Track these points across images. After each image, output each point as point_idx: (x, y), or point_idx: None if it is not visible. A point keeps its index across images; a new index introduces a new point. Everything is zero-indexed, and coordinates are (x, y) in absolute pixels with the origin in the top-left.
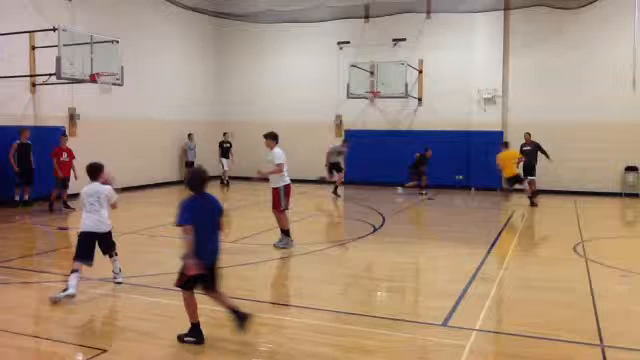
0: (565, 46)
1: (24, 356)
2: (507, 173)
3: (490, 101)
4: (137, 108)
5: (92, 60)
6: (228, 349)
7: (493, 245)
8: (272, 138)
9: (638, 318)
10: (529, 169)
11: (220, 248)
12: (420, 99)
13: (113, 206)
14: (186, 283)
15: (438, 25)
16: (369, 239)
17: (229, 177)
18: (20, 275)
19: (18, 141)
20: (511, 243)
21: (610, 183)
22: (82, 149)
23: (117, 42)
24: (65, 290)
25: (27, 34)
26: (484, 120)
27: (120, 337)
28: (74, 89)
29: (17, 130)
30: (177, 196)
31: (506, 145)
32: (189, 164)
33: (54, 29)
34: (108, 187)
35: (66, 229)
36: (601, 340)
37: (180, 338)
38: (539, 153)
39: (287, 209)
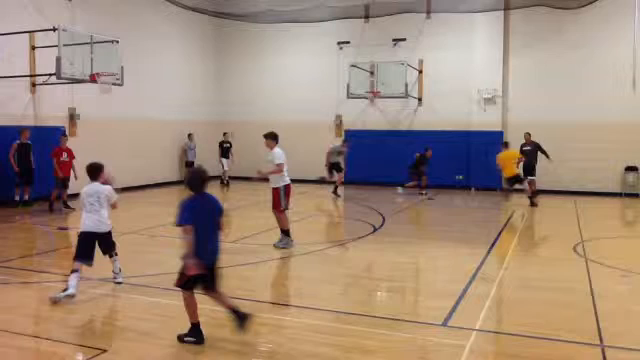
0: (565, 46)
1: (24, 356)
2: (507, 173)
3: (490, 101)
4: (137, 108)
5: (92, 60)
6: (228, 349)
7: (493, 245)
8: (272, 138)
9: (638, 318)
10: (529, 169)
11: (220, 248)
12: (420, 99)
13: (113, 206)
14: (186, 283)
15: (438, 25)
16: (369, 239)
17: (229, 177)
18: (20, 275)
19: (18, 141)
20: (511, 243)
21: (610, 183)
22: (82, 149)
23: (117, 42)
24: (65, 290)
25: (27, 34)
26: (484, 120)
27: (120, 337)
28: (74, 89)
29: (17, 130)
30: (177, 196)
31: (506, 145)
32: (189, 164)
33: (54, 29)
34: (108, 187)
35: (66, 229)
36: (601, 340)
37: (180, 338)
38: (539, 153)
39: (287, 209)
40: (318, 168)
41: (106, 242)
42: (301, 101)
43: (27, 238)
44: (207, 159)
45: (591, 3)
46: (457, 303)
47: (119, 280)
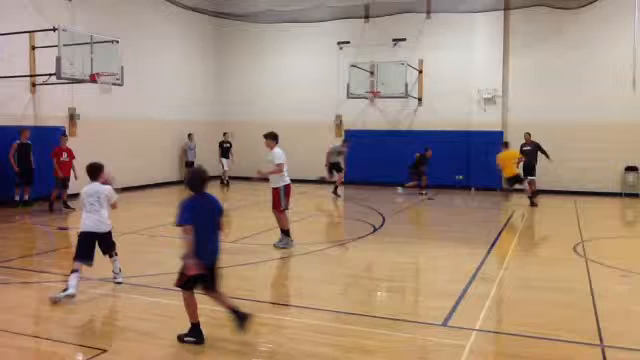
0: (565, 46)
1: (24, 356)
2: (507, 173)
3: (490, 101)
4: (137, 108)
5: (92, 60)
6: (228, 349)
7: (493, 245)
8: (272, 138)
9: (638, 318)
10: (529, 169)
11: (220, 248)
12: (420, 99)
13: (113, 206)
14: (186, 283)
15: (438, 25)
16: (369, 239)
17: (229, 177)
18: (20, 275)
19: (18, 141)
20: (511, 243)
21: (610, 183)
22: (82, 149)
23: (117, 42)
24: (65, 290)
25: (27, 34)
26: (484, 120)
27: (120, 337)
28: (74, 89)
29: (17, 130)
30: (177, 196)
31: (506, 145)
32: (189, 164)
33: (54, 29)
34: (108, 187)
35: (66, 229)
36: (601, 340)
37: (180, 338)
38: (539, 153)
39: (287, 209)
40: (318, 168)
41: (106, 242)
42: (301, 101)
43: (27, 238)
44: (207, 159)
45: (591, 3)
46: (457, 303)
47: (119, 280)
